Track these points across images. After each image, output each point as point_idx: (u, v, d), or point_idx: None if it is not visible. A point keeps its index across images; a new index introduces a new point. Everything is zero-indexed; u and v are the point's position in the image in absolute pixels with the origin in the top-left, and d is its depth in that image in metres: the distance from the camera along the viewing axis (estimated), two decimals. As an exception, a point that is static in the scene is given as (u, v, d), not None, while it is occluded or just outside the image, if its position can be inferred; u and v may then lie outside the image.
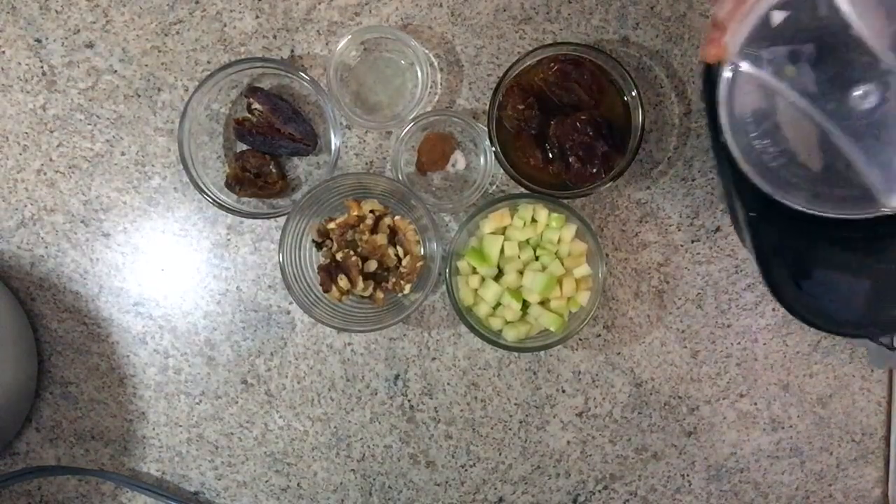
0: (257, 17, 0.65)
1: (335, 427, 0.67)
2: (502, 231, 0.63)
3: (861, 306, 0.49)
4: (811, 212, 0.47)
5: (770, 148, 0.47)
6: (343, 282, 0.61)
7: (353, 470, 0.68)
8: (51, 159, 0.66)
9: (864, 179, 0.45)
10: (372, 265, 0.62)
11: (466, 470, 0.68)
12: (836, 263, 0.49)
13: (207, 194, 0.63)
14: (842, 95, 0.44)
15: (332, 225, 0.61)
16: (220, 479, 0.68)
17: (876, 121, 0.44)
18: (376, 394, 0.67)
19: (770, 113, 0.47)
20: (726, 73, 0.46)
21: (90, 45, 0.66)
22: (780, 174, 0.47)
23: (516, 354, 0.67)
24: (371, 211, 0.62)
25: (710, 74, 0.59)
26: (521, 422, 0.67)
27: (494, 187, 0.66)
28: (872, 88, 0.44)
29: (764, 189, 0.47)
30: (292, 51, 0.65)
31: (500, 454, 0.68)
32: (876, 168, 0.44)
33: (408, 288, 0.62)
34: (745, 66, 0.46)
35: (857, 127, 0.44)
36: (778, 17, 0.45)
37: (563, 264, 0.62)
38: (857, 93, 0.44)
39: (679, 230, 0.66)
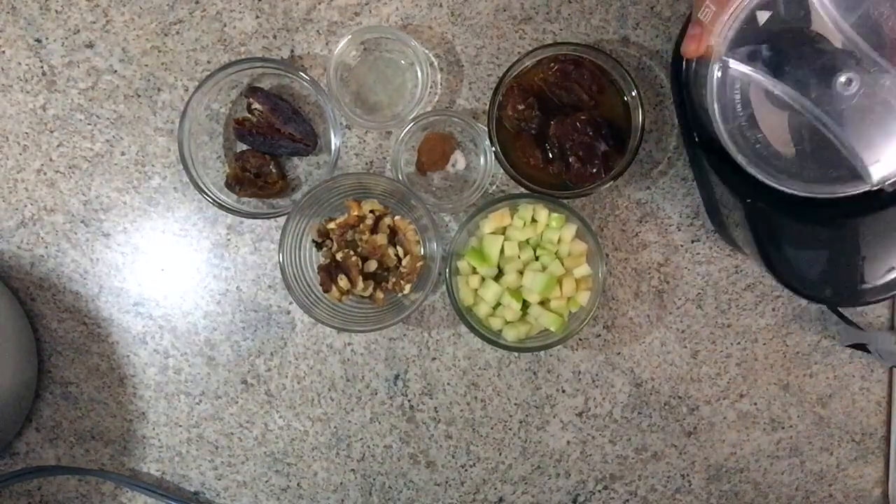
0: (257, 17, 0.65)
1: (335, 427, 0.67)
2: (502, 231, 0.63)
3: (851, 279, 0.53)
4: (804, 194, 0.49)
5: (761, 138, 0.50)
6: (343, 282, 0.61)
7: (353, 470, 0.68)
8: (51, 159, 0.66)
9: (850, 159, 0.48)
10: (372, 265, 0.62)
11: (466, 470, 0.68)
12: (822, 240, 0.53)
13: (207, 194, 0.63)
14: (826, 84, 0.47)
15: (332, 225, 0.61)
16: (220, 479, 0.68)
17: (858, 104, 0.47)
18: (376, 394, 0.67)
19: (758, 105, 0.49)
20: (716, 72, 0.49)
21: (90, 45, 0.66)
22: (771, 161, 0.50)
23: (516, 354, 0.67)
24: (371, 211, 0.62)
25: (678, 74, 0.60)
26: (521, 422, 0.67)
27: (494, 187, 0.66)
28: (854, 75, 0.47)
29: (759, 177, 0.50)
30: (292, 51, 0.65)
31: (500, 454, 0.68)
32: (860, 147, 0.48)
33: (408, 288, 0.62)
34: (732, 64, 0.48)
35: (842, 111, 0.48)
36: (762, 16, 0.48)
37: (563, 264, 0.62)
38: (841, 79, 0.47)
39: (679, 230, 0.66)
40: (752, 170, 0.50)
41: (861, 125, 0.47)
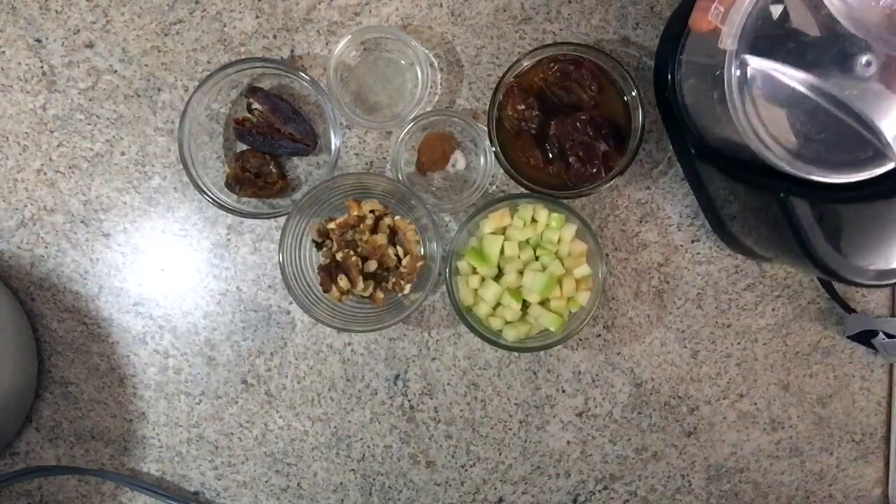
0: (257, 17, 0.65)
1: (335, 427, 0.67)
2: (502, 231, 0.63)
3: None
4: (836, 180, 0.49)
5: (787, 131, 0.49)
6: (343, 282, 0.61)
7: (353, 470, 0.68)
8: (51, 159, 0.66)
9: (874, 140, 0.48)
10: (372, 265, 0.62)
11: (466, 470, 0.68)
12: (860, 221, 0.52)
13: (207, 194, 0.63)
14: (847, 68, 0.47)
15: (332, 225, 0.61)
16: (220, 479, 0.68)
17: (877, 85, 0.47)
18: (376, 394, 0.67)
19: (780, 99, 0.49)
20: (735, 72, 0.49)
21: (90, 45, 0.66)
22: (799, 153, 0.49)
23: (516, 354, 0.67)
24: (371, 211, 0.62)
25: (662, 88, 0.60)
26: (521, 422, 0.67)
27: (494, 187, 0.66)
28: (871, 56, 0.47)
29: (790, 170, 0.49)
30: (292, 51, 0.65)
31: (500, 454, 0.68)
32: (886, 125, 0.48)
33: (408, 288, 0.62)
34: (751, 61, 0.48)
35: (863, 94, 0.48)
36: (776, 10, 0.47)
37: (563, 264, 0.62)
38: (862, 61, 0.47)
39: (679, 230, 0.66)
40: (782, 164, 0.49)
41: (882, 104, 0.48)
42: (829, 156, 0.49)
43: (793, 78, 0.48)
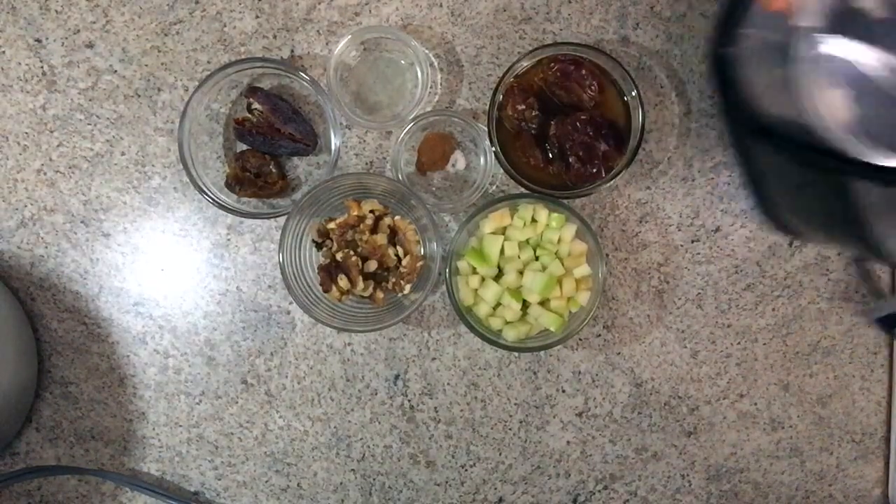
0: (257, 17, 0.65)
1: (335, 427, 0.67)
2: (502, 231, 0.63)
3: None
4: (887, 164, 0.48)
5: (852, 111, 0.48)
6: (343, 282, 0.61)
7: (353, 470, 0.68)
8: (51, 159, 0.66)
9: None
10: (372, 265, 0.62)
11: (466, 470, 0.68)
12: None
13: (207, 194, 0.63)
14: None
15: (332, 225, 0.61)
16: (220, 479, 0.68)
17: None
18: (376, 394, 0.67)
19: (849, 78, 0.48)
20: (805, 48, 0.47)
21: (90, 45, 0.66)
22: (862, 135, 0.48)
23: (516, 354, 0.67)
24: (371, 211, 0.62)
25: (722, 63, 0.58)
26: (521, 422, 0.67)
27: (494, 187, 0.66)
28: None
29: (852, 152, 0.48)
30: (292, 51, 0.65)
31: (500, 454, 0.68)
32: None
33: (408, 288, 0.62)
34: (823, 36, 0.47)
35: None
36: None
37: (563, 264, 0.62)
38: None
39: (679, 230, 0.66)
40: (845, 145, 0.48)
41: None
42: (891, 139, 0.48)
43: (864, 56, 0.46)
